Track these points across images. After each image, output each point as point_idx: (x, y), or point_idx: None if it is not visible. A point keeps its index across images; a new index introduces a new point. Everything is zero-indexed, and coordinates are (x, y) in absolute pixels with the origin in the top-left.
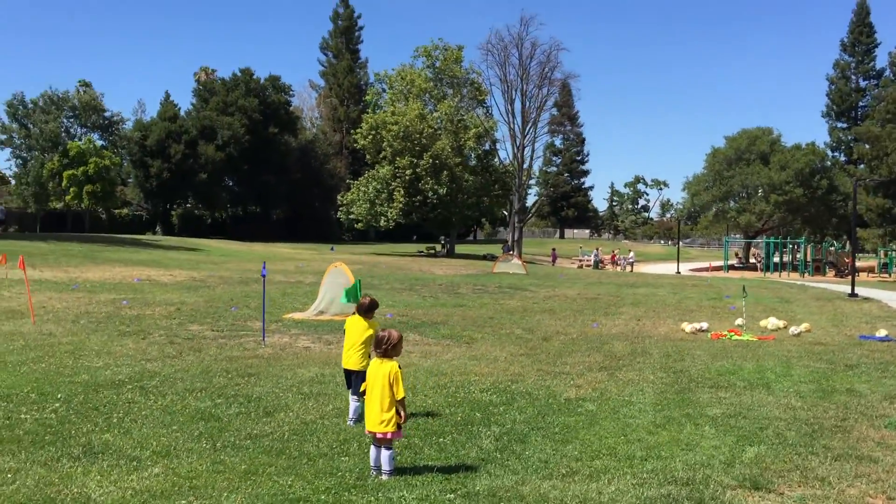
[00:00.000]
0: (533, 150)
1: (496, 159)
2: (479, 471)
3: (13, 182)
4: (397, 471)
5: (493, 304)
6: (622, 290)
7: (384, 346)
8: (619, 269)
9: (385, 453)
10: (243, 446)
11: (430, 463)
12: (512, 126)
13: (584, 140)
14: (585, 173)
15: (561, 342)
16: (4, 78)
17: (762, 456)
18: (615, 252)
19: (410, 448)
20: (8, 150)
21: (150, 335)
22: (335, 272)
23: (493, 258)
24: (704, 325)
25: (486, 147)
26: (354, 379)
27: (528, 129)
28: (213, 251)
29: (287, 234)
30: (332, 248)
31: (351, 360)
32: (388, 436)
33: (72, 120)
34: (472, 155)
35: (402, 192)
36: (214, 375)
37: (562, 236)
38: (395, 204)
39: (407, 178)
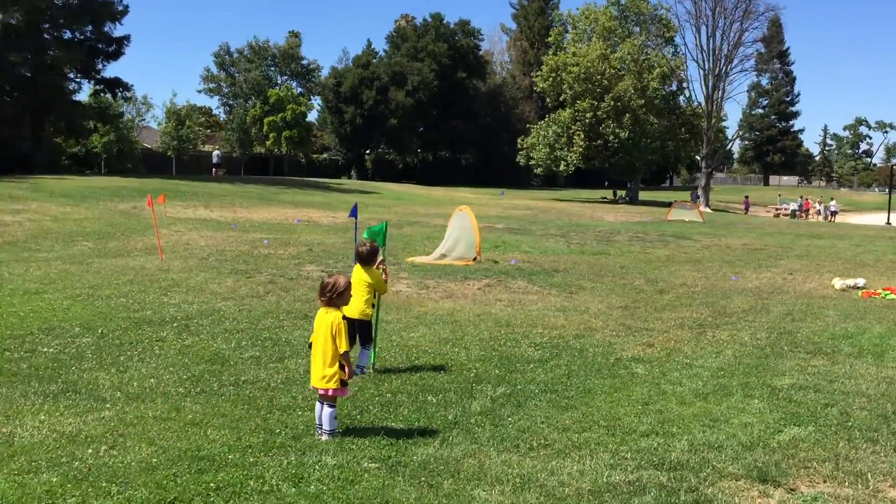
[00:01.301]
0: (724, 91)
1: (683, 101)
2: (435, 437)
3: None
4: (350, 431)
5: (639, 253)
6: (797, 241)
7: (328, 294)
8: (819, 218)
9: (326, 411)
10: (219, 393)
11: (390, 424)
12: (703, 65)
13: (794, 79)
14: (794, 115)
15: (675, 295)
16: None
17: (799, 439)
18: (808, 199)
19: (391, 405)
20: (216, 98)
21: (259, 274)
22: (460, 216)
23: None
24: (860, 281)
25: (673, 88)
26: (357, 328)
27: (721, 67)
28: (388, 195)
29: (475, 179)
30: (501, 193)
31: (351, 308)
32: (330, 392)
33: (273, 68)
34: (658, 96)
35: (582, 136)
36: (270, 317)
37: (766, 183)
38: (574, 148)
39: (587, 121)
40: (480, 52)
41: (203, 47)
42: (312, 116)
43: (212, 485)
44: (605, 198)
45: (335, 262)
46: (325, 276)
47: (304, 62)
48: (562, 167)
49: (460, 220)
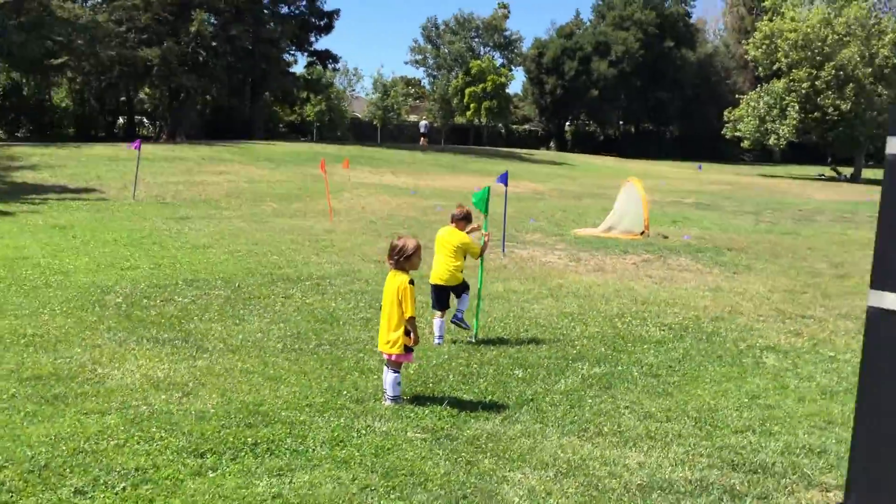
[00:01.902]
0: None
1: None
2: (500, 413)
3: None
4: (417, 399)
5: (836, 234)
6: None
7: (396, 256)
8: None
9: (390, 376)
10: (313, 351)
11: (462, 396)
12: None
13: None
14: None
15: (858, 282)
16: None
17: None
18: None
19: (472, 376)
20: (422, 70)
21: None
22: (628, 188)
23: None
24: None
25: None
26: (440, 294)
27: None
28: (580, 166)
29: (680, 152)
30: (699, 167)
31: (437, 274)
32: (394, 357)
33: (476, 40)
34: (888, 65)
35: (797, 107)
36: None
37: None
38: (787, 121)
39: (803, 92)
40: (691, 21)
41: (413, 18)
42: (516, 88)
43: (250, 440)
44: (822, 175)
45: (497, 231)
46: (395, 239)
47: (507, 33)
48: (772, 140)
49: (628, 193)
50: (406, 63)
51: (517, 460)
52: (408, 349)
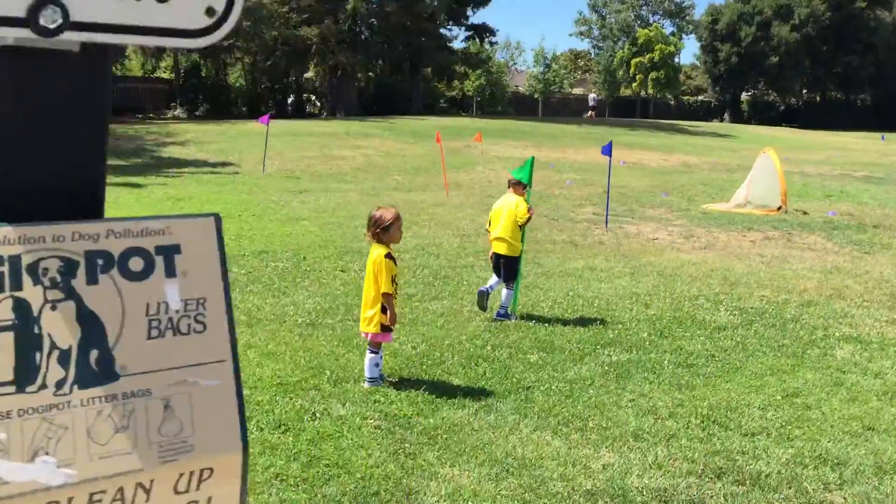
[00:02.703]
0: None
1: None
2: (479, 402)
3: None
4: (402, 382)
5: None
6: None
7: (373, 228)
8: None
9: (368, 356)
10: (331, 327)
11: (452, 381)
12: None
13: None
14: None
15: None
16: None
17: None
18: None
19: (477, 359)
20: (587, 41)
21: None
22: (763, 159)
23: None
24: None
25: None
26: (503, 265)
27: None
28: (744, 138)
29: (874, 122)
30: (882, 138)
31: (495, 243)
32: (370, 336)
33: (644, 8)
34: None
35: None
36: (478, 256)
37: None
38: None
39: None
40: None
41: None
42: (685, 59)
43: None
44: None
45: (618, 206)
46: (374, 210)
47: (678, 0)
48: None
49: (763, 165)
50: (570, 35)
51: (465, 455)
52: (385, 328)
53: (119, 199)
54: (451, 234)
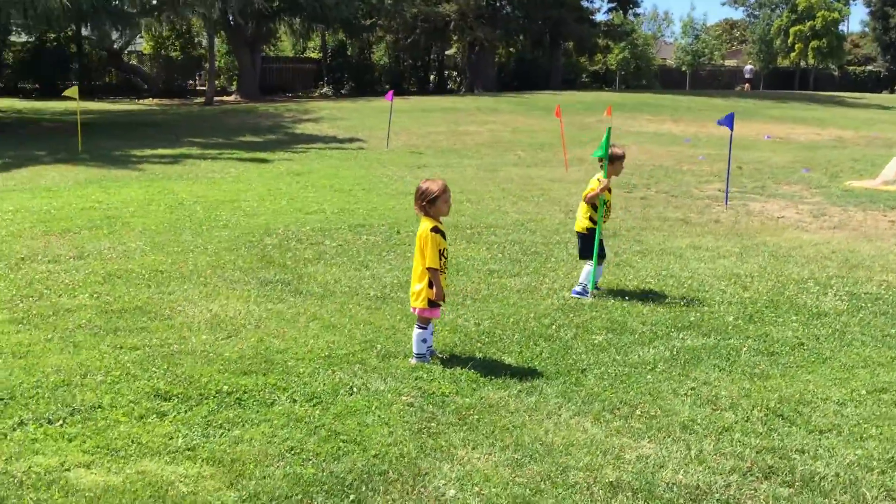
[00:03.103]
0: None
1: None
2: (525, 384)
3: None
4: (452, 360)
5: None
6: None
7: (420, 201)
8: None
9: (415, 332)
10: (399, 301)
11: (503, 359)
12: None
13: None
14: None
15: None
16: None
17: None
18: None
19: (534, 338)
20: (741, 10)
21: (647, 189)
22: None
23: None
24: None
25: None
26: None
27: None
28: None
29: None
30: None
31: (576, 220)
32: (417, 311)
33: None
34: None
35: None
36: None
37: None
38: None
39: None
40: None
41: None
42: (853, 26)
43: (230, 388)
44: None
45: (750, 182)
46: (422, 182)
47: None
48: None
49: None
50: (723, 4)
51: (491, 437)
52: (432, 304)
53: (243, 174)
54: (556, 210)
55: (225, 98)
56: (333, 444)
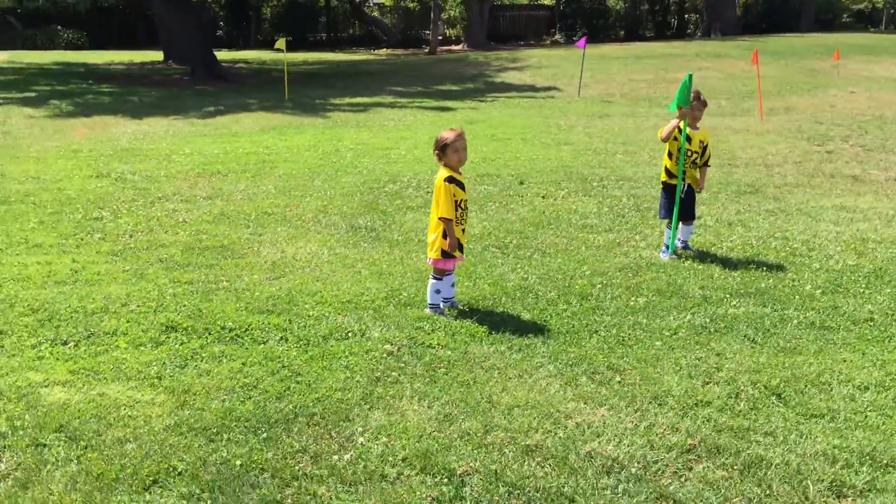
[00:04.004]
0: None
1: None
2: (527, 340)
3: None
4: (469, 312)
5: None
6: None
7: (434, 149)
8: None
9: (430, 282)
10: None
11: (521, 315)
12: None
13: None
14: None
15: None
16: None
17: None
18: None
19: (567, 297)
20: None
21: (813, 143)
22: None
23: None
24: None
25: None
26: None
27: None
28: None
29: None
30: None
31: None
32: (430, 262)
33: None
34: None
35: None
36: (720, 186)
37: None
38: None
39: None
40: None
41: None
42: None
43: (230, 323)
44: None
45: None
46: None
47: None
48: None
49: None
50: None
51: (444, 391)
52: (446, 255)
53: (416, 123)
54: (716, 165)
55: (452, 47)
56: (286, 385)
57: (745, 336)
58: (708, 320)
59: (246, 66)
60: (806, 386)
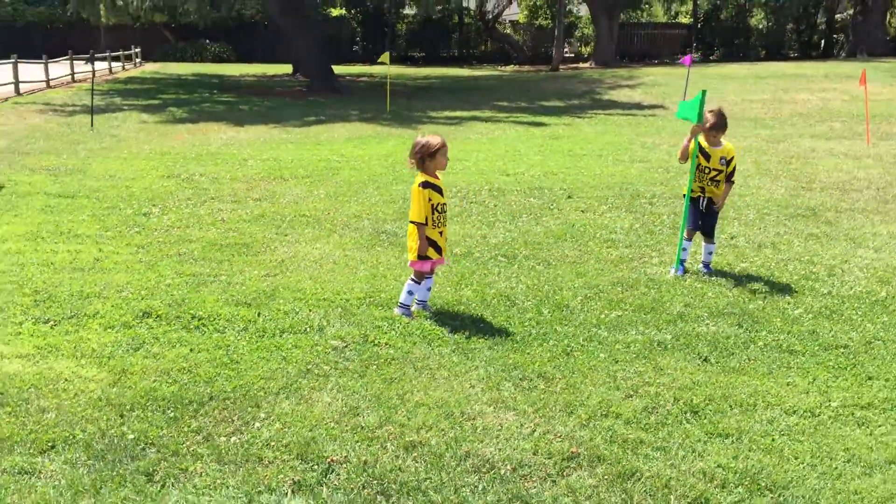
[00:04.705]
0: None
1: None
2: (475, 345)
3: None
4: (437, 315)
5: None
6: None
7: (416, 155)
8: None
9: (407, 283)
10: (480, 261)
11: (489, 321)
12: None
13: None
14: None
15: None
16: None
17: None
18: None
19: (555, 307)
20: None
21: None
22: None
23: None
24: None
25: None
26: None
27: None
28: None
29: None
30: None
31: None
32: (409, 264)
33: None
34: None
35: None
36: (792, 211)
37: None
38: None
39: None
40: None
41: None
42: None
43: (202, 312)
44: None
45: None
46: (419, 136)
47: None
48: None
49: None
50: None
51: (358, 388)
52: (422, 257)
53: (501, 136)
54: (783, 185)
55: (580, 65)
56: (218, 371)
57: (697, 354)
58: (670, 337)
59: (369, 79)
60: (730, 406)
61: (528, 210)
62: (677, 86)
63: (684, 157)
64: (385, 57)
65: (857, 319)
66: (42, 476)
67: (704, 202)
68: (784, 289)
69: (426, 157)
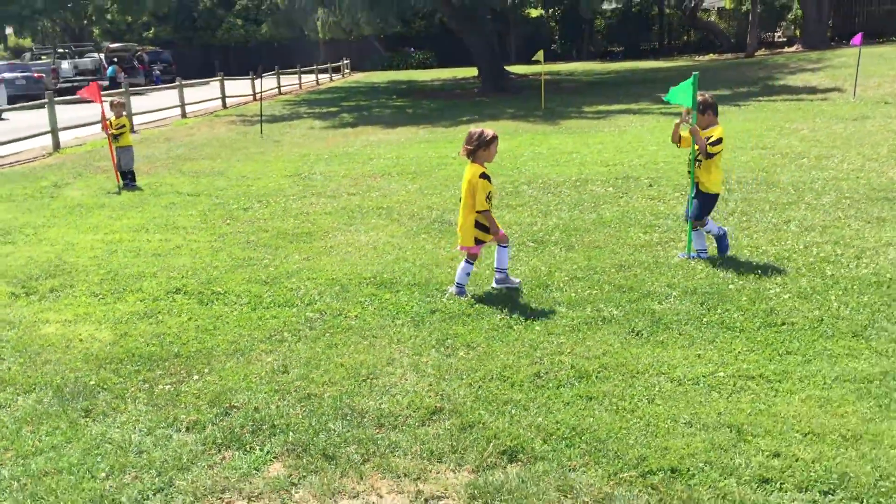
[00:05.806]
0: None
1: None
2: (508, 317)
3: None
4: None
5: None
6: None
7: (471, 144)
8: None
9: (462, 265)
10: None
11: (529, 304)
12: None
13: None
14: None
15: None
16: None
17: None
18: None
19: (570, 284)
20: None
21: None
22: None
23: None
24: None
25: None
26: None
27: None
28: None
29: None
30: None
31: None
32: (461, 248)
33: None
34: None
35: None
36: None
37: None
38: None
39: None
40: None
41: None
42: None
43: (220, 289)
44: None
45: None
46: (473, 128)
47: None
48: None
49: None
50: None
51: (322, 351)
52: (478, 241)
53: (630, 129)
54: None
55: (784, 49)
56: (199, 335)
57: (632, 329)
58: (618, 313)
59: (550, 77)
60: (620, 374)
61: (596, 199)
62: (876, 67)
63: (675, 138)
64: (539, 55)
65: (832, 300)
66: (9, 409)
67: (695, 189)
68: (785, 271)
69: (481, 147)
